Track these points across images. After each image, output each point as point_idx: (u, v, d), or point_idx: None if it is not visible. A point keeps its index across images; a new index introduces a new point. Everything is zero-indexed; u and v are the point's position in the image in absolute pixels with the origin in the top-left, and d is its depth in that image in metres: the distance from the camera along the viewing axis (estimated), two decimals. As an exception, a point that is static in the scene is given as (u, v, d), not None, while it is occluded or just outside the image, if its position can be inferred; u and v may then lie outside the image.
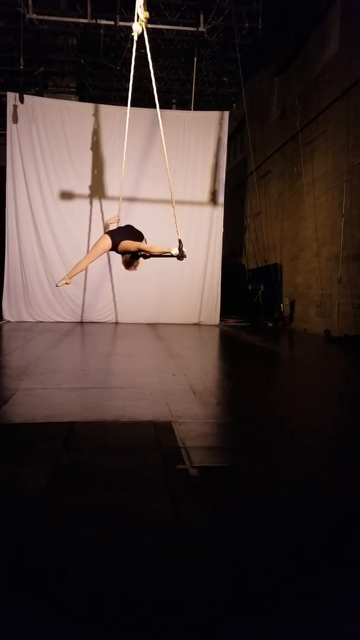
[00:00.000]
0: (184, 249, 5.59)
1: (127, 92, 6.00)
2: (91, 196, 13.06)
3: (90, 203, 13.07)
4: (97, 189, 13.06)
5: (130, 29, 11.05)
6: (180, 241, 5.66)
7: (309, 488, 2.87)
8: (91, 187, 13.05)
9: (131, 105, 6.20)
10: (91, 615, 1.76)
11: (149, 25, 11.11)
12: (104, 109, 12.99)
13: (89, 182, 13.04)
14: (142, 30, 5.55)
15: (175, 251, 5.61)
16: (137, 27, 5.48)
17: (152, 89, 5.97)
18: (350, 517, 2.55)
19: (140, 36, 5.58)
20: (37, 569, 2.04)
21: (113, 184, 12.88)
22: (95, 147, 12.95)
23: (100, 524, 2.39)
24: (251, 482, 2.93)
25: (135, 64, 5.85)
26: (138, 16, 5.45)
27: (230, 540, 2.29)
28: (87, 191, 13.03)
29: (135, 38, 5.59)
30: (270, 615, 1.80)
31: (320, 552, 2.22)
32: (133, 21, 5.55)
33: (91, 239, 12.89)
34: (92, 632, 1.70)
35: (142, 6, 5.37)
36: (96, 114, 12.86)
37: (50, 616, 1.77)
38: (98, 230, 12.98)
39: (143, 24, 5.50)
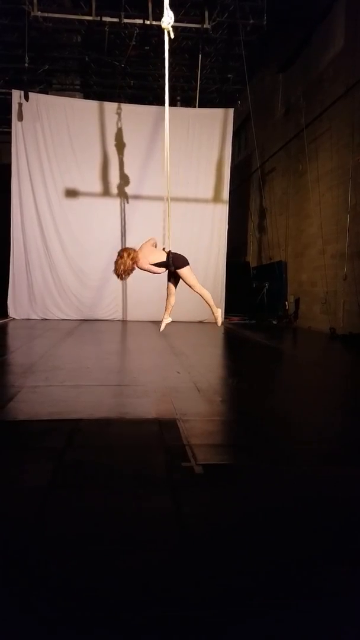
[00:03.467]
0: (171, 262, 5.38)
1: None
2: (95, 193, 13.05)
3: (95, 200, 13.07)
4: (102, 187, 13.05)
5: (133, 26, 11.14)
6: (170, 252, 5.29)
7: (312, 487, 2.87)
8: (95, 185, 13.05)
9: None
10: (92, 614, 1.76)
11: (154, 23, 11.15)
12: (109, 106, 12.97)
13: (93, 179, 13.04)
14: (169, 32, 5.53)
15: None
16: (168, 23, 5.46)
17: (165, 87, 5.93)
18: (352, 516, 2.54)
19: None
20: (38, 566, 2.04)
21: (117, 181, 12.89)
22: (100, 144, 12.95)
23: (103, 522, 2.39)
24: (255, 480, 2.92)
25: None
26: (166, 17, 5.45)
27: (233, 539, 2.29)
28: (91, 189, 13.03)
29: (166, 36, 5.56)
30: (271, 614, 1.80)
31: (322, 551, 2.21)
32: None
33: (93, 238, 12.93)
34: (93, 631, 1.70)
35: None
36: (100, 111, 12.86)
37: (50, 614, 1.77)
38: (99, 230, 13.00)
39: (169, 25, 5.48)
